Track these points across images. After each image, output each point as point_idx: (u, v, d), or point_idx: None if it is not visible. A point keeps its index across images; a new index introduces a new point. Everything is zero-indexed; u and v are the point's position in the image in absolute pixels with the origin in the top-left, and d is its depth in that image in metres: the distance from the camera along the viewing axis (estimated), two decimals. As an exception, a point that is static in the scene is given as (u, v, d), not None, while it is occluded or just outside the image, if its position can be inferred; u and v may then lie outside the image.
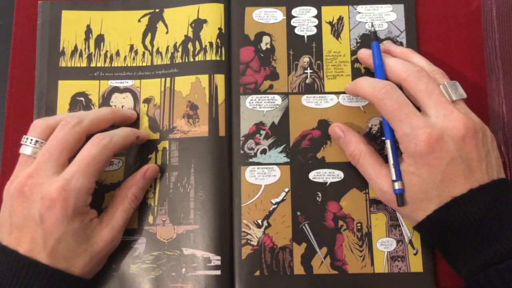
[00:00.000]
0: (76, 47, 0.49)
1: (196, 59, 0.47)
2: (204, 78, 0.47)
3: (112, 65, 0.48)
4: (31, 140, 0.40)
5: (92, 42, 0.49)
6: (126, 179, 0.44)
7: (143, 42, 0.49)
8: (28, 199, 0.38)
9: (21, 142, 0.41)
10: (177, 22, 0.49)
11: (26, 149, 0.40)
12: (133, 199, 0.43)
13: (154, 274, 0.43)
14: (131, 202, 0.43)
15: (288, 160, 0.46)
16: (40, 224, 0.37)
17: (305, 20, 0.49)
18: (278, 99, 0.47)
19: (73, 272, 0.38)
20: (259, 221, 0.45)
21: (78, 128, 0.40)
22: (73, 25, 0.49)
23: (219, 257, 0.43)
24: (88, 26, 0.49)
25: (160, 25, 0.49)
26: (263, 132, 0.47)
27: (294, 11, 0.49)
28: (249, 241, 0.44)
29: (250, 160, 0.46)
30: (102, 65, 0.48)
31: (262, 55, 0.48)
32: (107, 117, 0.43)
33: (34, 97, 0.47)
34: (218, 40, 0.48)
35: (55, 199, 0.37)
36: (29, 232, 0.37)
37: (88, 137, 0.41)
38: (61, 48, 0.48)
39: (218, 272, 0.43)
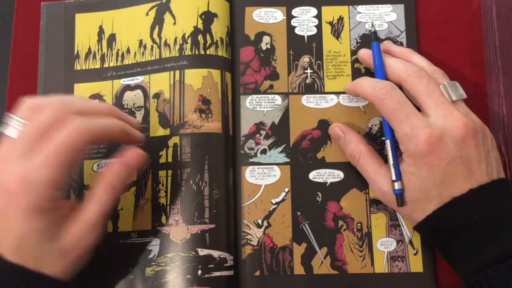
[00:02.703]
0: (89, 49, 0.48)
1: (208, 52, 0.46)
2: (216, 73, 0.46)
3: (124, 63, 0.48)
4: (15, 120, 0.36)
5: (104, 43, 0.48)
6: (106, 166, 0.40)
7: (151, 35, 0.48)
8: None
9: (5, 121, 0.36)
10: (185, 13, 0.47)
11: (8, 129, 0.36)
12: (106, 188, 0.37)
13: (169, 277, 0.42)
14: (105, 191, 0.37)
15: (288, 160, 0.46)
16: (3, 216, 0.33)
17: (305, 20, 0.49)
18: (278, 99, 0.47)
19: (43, 271, 0.34)
20: (259, 221, 0.45)
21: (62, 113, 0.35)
22: (86, 27, 0.49)
23: (232, 257, 0.43)
24: (101, 27, 0.49)
25: (167, 16, 0.48)
26: (263, 132, 0.47)
27: (294, 11, 0.49)
28: (249, 241, 0.44)
29: (250, 160, 0.46)
30: (114, 65, 0.48)
31: (262, 55, 0.48)
32: (101, 111, 0.38)
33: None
34: (227, 38, 0.48)
35: (15, 192, 0.33)
36: None
37: None
38: (75, 52, 0.48)
39: (232, 273, 0.43)
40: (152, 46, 0.48)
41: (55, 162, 0.34)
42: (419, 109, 0.40)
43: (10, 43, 0.49)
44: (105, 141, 0.39)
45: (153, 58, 0.47)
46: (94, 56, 0.48)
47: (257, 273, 0.44)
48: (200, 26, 0.47)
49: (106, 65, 0.48)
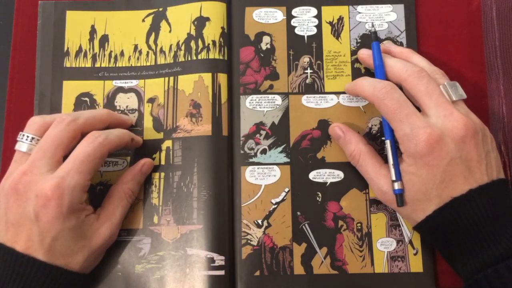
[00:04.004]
0: (80, 47, 0.49)
1: (199, 57, 0.47)
2: (207, 77, 0.47)
3: (117, 65, 0.48)
4: (27, 136, 0.40)
5: (96, 43, 0.49)
6: (122, 175, 0.44)
7: (147, 41, 0.49)
8: (23, 197, 0.38)
9: (17, 139, 0.41)
10: (180, 20, 0.49)
11: (21, 145, 0.40)
12: (130, 195, 0.43)
13: (159, 274, 0.43)
14: (128, 197, 0.43)
15: (288, 160, 0.46)
16: (36, 222, 0.37)
17: (305, 20, 0.49)
18: (278, 99, 0.47)
19: (72, 268, 0.38)
20: (259, 221, 0.45)
21: (73, 126, 0.40)
22: (77, 25, 0.49)
23: (223, 257, 0.43)
24: (93, 27, 0.49)
25: (163, 24, 0.49)
26: (263, 132, 0.47)
27: (294, 11, 0.49)
28: (249, 241, 0.44)
29: (250, 160, 0.46)
30: (107, 65, 0.48)
31: (262, 55, 0.48)
32: (103, 118, 0.43)
33: (34, 97, 0.47)
34: (221, 39, 0.48)
35: (49, 197, 0.37)
36: (25, 230, 0.37)
37: (84, 136, 0.41)
38: (65, 49, 0.48)
39: (222, 273, 0.43)
40: (148, 52, 0.48)
41: (82, 169, 0.39)
42: (419, 109, 0.40)
43: (10, 43, 0.49)
44: (118, 149, 0.43)
45: (148, 64, 0.48)
46: (85, 55, 0.48)
47: (257, 273, 0.44)
48: (193, 32, 0.48)
49: (97, 65, 0.48)
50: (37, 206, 0.37)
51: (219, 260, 0.43)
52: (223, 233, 0.44)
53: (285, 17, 0.49)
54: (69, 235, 0.38)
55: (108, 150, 0.41)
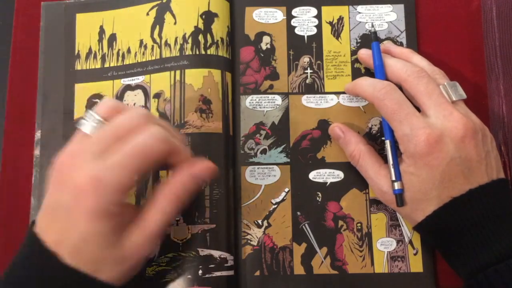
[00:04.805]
0: (90, 49, 0.48)
1: (208, 52, 0.46)
2: (217, 73, 0.46)
3: (124, 63, 0.48)
4: (94, 117, 0.35)
5: (105, 43, 0.48)
6: (172, 174, 0.37)
7: (151, 35, 0.48)
8: (63, 180, 0.33)
9: (82, 117, 0.36)
10: (185, 12, 0.47)
11: (84, 125, 0.35)
12: (172, 199, 0.36)
13: (170, 277, 0.42)
14: (169, 202, 0.36)
15: (288, 160, 0.46)
16: (68, 213, 0.32)
17: (305, 20, 0.49)
18: (278, 99, 0.47)
19: (99, 276, 0.33)
20: (259, 221, 0.45)
21: (144, 119, 0.35)
22: (87, 27, 0.49)
23: (232, 257, 0.43)
24: (101, 27, 0.49)
25: (167, 15, 0.48)
26: (263, 132, 0.47)
27: (294, 11, 0.49)
28: (249, 241, 0.44)
29: (250, 160, 0.46)
30: (115, 65, 0.48)
31: (262, 55, 0.48)
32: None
33: (36, 98, 0.47)
34: (227, 38, 0.48)
35: (83, 190, 0.32)
36: (59, 219, 0.33)
37: None
38: (76, 52, 0.48)
39: (232, 273, 0.43)
40: (152, 46, 0.48)
41: (128, 165, 0.33)
42: (419, 109, 0.40)
43: (10, 43, 0.49)
44: (166, 159, 0.36)
45: (153, 58, 0.47)
46: (95, 56, 0.48)
47: (257, 273, 0.44)
48: (201, 26, 0.47)
49: (106, 65, 0.48)
50: (71, 196, 0.32)
51: (231, 260, 0.43)
52: (234, 232, 0.44)
53: (285, 17, 0.49)
54: (99, 241, 0.33)
55: (163, 152, 0.34)
